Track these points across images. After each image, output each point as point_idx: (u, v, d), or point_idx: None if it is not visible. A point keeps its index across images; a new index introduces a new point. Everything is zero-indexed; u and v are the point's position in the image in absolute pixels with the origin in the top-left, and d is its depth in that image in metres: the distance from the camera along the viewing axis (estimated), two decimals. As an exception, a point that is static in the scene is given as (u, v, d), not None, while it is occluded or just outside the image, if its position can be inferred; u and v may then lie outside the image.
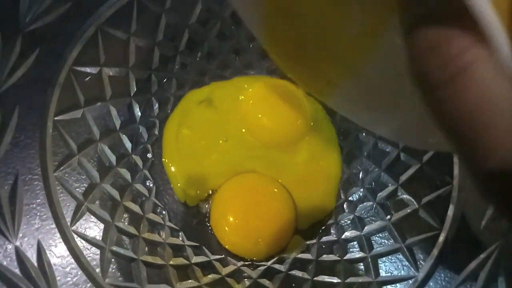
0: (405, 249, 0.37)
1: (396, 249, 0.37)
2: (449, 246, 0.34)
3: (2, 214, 0.27)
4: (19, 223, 0.28)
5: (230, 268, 0.39)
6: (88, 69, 0.37)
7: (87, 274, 0.30)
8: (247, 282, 0.38)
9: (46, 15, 0.32)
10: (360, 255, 0.39)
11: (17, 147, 0.30)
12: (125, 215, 0.38)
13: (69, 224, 0.31)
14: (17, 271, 0.26)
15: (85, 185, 0.35)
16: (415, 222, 0.38)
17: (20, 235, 0.28)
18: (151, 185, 0.42)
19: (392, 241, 0.38)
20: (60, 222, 0.30)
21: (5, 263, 0.26)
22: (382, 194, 0.42)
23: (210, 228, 0.42)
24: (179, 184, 0.43)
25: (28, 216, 0.29)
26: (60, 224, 0.30)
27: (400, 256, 0.37)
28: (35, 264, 0.27)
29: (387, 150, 0.43)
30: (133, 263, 0.34)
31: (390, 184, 0.42)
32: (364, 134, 0.45)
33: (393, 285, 0.35)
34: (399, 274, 0.36)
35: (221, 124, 0.46)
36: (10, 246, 0.27)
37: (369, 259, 0.38)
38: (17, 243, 0.27)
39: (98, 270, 0.31)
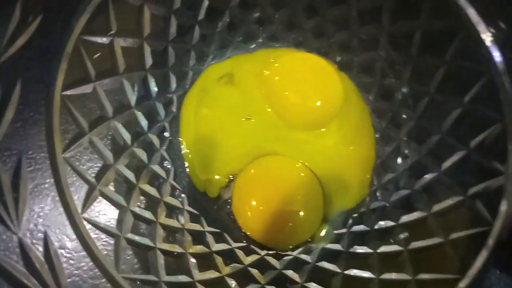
0: (448, 244, 0.33)
1: (438, 244, 0.33)
2: (501, 243, 0.30)
3: (3, 201, 0.24)
4: (22, 211, 0.25)
5: (253, 257, 0.37)
6: (98, 39, 0.33)
7: (99, 267, 0.27)
8: (271, 273, 0.35)
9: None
10: (397, 248, 0.35)
11: (20, 125, 0.27)
12: (141, 199, 0.35)
13: (79, 210, 0.28)
14: (20, 265, 0.24)
15: (97, 166, 0.32)
16: (461, 216, 0.33)
17: (24, 224, 0.25)
18: (169, 166, 0.39)
19: (433, 236, 0.34)
20: (69, 208, 0.27)
21: (7, 256, 0.23)
22: (421, 182, 0.38)
23: (232, 213, 0.39)
24: (196, 171, 0.40)
25: (33, 203, 0.26)
26: (69, 211, 0.27)
27: (443, 253, 0.33)
28: (41, 257, 0.25)
29: (429, 132, 0.38)
30: (150, 252, 0.32)
31: (430, 171, 0.37)
32: (401, 114, 0.41)
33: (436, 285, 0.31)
34: (442, 274, 0.32)
35: (243, 102, 0.42)
36: (13, 238, 0.24)
37: (407, 254, 0.34)
38: (21, 234, 0.24)
39: (111, 261, 0.28)
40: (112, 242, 0.29)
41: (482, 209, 0.32)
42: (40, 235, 0.25)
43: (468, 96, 0.35)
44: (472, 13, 0.34)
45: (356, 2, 0.41)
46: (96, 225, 0.28)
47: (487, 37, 0.33)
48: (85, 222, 0.28)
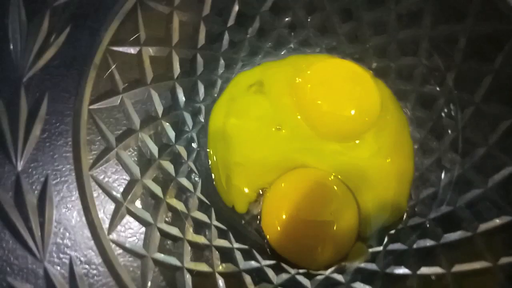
0: (497, 270, 0.30)
1: (485, 268, 0.31)
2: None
3: (29, 228, 0.23)
4: (48, 235, 0.24)
5: (283, 276, 0.35)
6: (126, 49, 0.32)
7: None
8: (303, 294, 0.34)
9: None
10: (438, 270, 0.33)
11: (47, 142, 0.26)
12: (168, 214, 0.34)
13: (106, 232, 0.27)
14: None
15: (124, 181, 0.31)
16: (510, 237, 0.31)
17: (49, 250, 0.24)
18: (196, 178, 0.38)
19: (480, 260, 0.31)
20: (95, 229, 0.26)
21: (30, 284, 0.23)
22: (465, 197, 0.35)
23: (261, 229, 0.37)
24: (223, 185, 0.38)
25: (58, 224, 0.25)
26: (95, 232, 0.26)
27: (492, 280, 0.30)
28: (67, 284, 0.24)
29: (474, 144, 0.36)
30: (177, 272, 0.30)
31: (475, 186, 0.35)
32: (442, 124, 0.38)
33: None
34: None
35: (274, 111, 0.40)
36: (38, 265, 0.23)
37: (449, 278, 0.32)
38: (46, 262, 0.23)
39: (139, 285, 0.27)
40: (138, 263, 0.28)
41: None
42: (65, 261, 0.24)
43: (520, 106, 0.32)
44: (525, 16, 0.31)
45: (394, 5, 0.38)
46: (123, 247, 0.27)
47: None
48: (111, 244, 0.27)
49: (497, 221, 0.32)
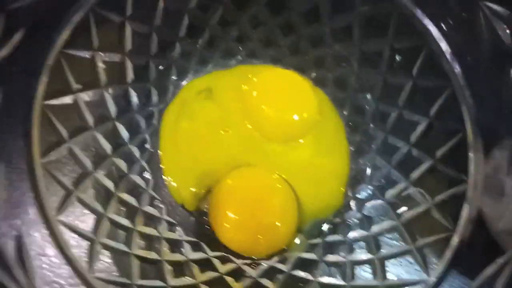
0: (415, 251, 0.34)
1: (405, 251, 0.35)
2: (463, 249, 0.31)
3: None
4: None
5: (230, 266, 0.37)
6: (80, 53, 0.34)
7: (72, 267, 0.28)
8: (247, 281, 0.36)
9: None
10: (367, 256, 0.36)
11: (1, 130, 0.28)
12: (121, 209, 0.36)
13: (54, 213, 0.29)
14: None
15: (76, 174, 0.33)
16: (427, 222, 0.35)
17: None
18: (148, 177, 0.40)
19: (402, 242, 0.35)
20: (44, 210, 0.28)
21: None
22: (391, 192, 0.39)
23: (209, 224, 0.40)
24: (174, 184, 0.41)
25: (10, 201, 0.27)
26: (44, 213, 0.28)
27: (410, 259, 0.34)
28: (13, 255, 0.25)
29: (398, 145, 0.40)
30: (125, 257, 0.32)
31: (400, 182, 0.39)
32: (373, 127, 0.43)
33: (402, 289, 0.33)
34: (409, 277, 0.33)
35: (222, 116, 0.43)
36: None
37: (376, 261, 0.36)
38: None
39: (84, 263, 0.29)
40: (87, 245, 0.30)
41: (446, 215, 0.34)
42: (13, 235, 0.26)
43: (433, 110, 0.37)
44: (434, 30, 0.36)
45: (328, 20, 0.43)
46: (72, 228, 0.29)
47: (448, 53, 0.36)
48: (60, 225, 0.28)
49: (418, 210, 0.36)
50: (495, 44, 0.34)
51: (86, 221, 0.32)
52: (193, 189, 0.41)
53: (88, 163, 0.34)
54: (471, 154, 0.34)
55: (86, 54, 0.35)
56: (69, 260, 0.28)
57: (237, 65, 0.46)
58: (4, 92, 0.28)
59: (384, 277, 0.34)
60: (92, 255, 0.30)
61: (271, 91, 0.44)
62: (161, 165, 0.42)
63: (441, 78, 0.36)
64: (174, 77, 0.44)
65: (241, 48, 0.46)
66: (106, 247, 0.31)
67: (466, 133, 0.34)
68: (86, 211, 0.32)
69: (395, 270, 0.34)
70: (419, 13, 0.37)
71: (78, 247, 0.30)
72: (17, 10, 0.29)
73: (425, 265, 0.33)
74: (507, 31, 0.34)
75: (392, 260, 0.35)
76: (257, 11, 0.44)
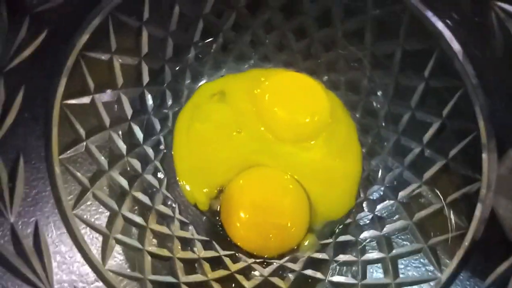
0: (427, 249, 0.34)
1: (417, 249, 0.35)
2: (476, 247, 0.31)
3: (0, 192, 0.27)
4: (17, 202, 0.27)
5: (240, 264, 0.38)
6: (98, 55, 0.36)
7: (86, 259, 0.29)
8: (257, 280, 0.36)
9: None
10: (379, 255, 0.36)
11: (21, 127, 0.29)
12: (135, 207, 0.37)
13: (71, 207, 0.30)
14: (11, 249, 0.25)
15: (92, 171, 0.34)
16: (439, 221, 0.35)
17: (18, 214, 0.27)
18: (162, 176, 0.41)
19: (414, 242, 0.35)
20: (61, 205, 0.29)
21: (1, 241, 0.25)
22: (404, 193, 0.39)
23: (221, 223, 0.40)
24: (187, 184, 0.42)
25: (28, 198, 0.28)
26: (61, 207, 0.29)
27: (422, 258, 0.34)
28: (31, 243, 0.27)
29: (411, 146, 0.40)
30: (138, 253, 0.33)
31: (413, 182, 0.39)
32: (386, 129, 0.43)
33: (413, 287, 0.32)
34: (420, 276, 0.33)
35: (235, 118, 0.44)
36: (6, 224, 0.26)
37: (388, 260, 0.35)
38: (13, 221, 0.26)
39: (98, 256, 0.30)
40: (101, 239, 0.31)
41: (459, 214, 0.33)
42: (32, 224, 0.27)
43: (446, 110, 0.37)
44: (445, 31, 0.36)
45: (340, 24, 0.43)
46: (86, 222, 0.30)
47: (460, 54, 0.36)
48: (75, 219, 0.30)
49: (430, 210, 0.36)
50: (507, 44, 0.34)
51: (101, 218, 0.33)
52: (205, 190, 0.41)
53: (103, 161, 0.35)
54: (484, 154, 0.34)
55: (104, 57, 0.37)
56: (83, 252, 0.29)
57: (250, 69, 0.47)
58: (25, 91, 0.30)
59: (396, 276, 0.34)
60: (105, 249, 0.31)
61: (283, 94, 0.45)
62: (174, 166, 0.42)
63: (453, 78, 0.36)
64: (188, 81, 0.45)
65: (254, 53, 0.47)
66: (120, 242, 0.32)
67: (480, 132, 0.34)
68: (101, 208, 0.33)
69: (407, 270, 0.34)
70: (430, 14, 0.37)
71: (92, 242, 0.31)
72: (40, 13, 0.31)
73: (437, 264, 0.32)
74: (520, 31, 0.34)
75: (405, 260, 0.35)
76: (270, 16, 0.45)
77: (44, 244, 0.27)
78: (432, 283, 0.32)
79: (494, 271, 0.28)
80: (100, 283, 0.30)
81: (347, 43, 0.44)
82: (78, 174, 0.32)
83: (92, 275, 0.30)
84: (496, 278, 0.28)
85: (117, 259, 0.32)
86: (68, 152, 0.32)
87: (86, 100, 0.35)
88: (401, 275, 0.34)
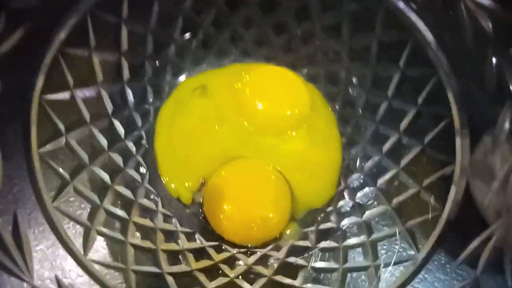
0: (405, 232, 0.35)
1: (395, 232, 0.36)
2: (450, 227, 0.32)
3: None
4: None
5: (224, 254, 0.38)
6: (77, 52, 0.36)
7: (67, 249, 0.29)
8: (241, 268, 0.37)
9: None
10: (359, 240, 0.37)
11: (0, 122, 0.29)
12: (118, 201, 0.37)
13: (52, 200, 0.30)
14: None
15: (73, 166, 0.34)
16: (416, 205, 0.36)
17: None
18: (144, 171, 0.42)
19: (392, 226, 0.36)
20: (42, 198, 0.29)
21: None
22: (382, 179, 0.40)
23: (204, 215, 0.41)
24: (169, 179, 0.42)
25: (8, 193, 0.28)
26: (41, 200, 0.29)
27: (401, 240, 0.35)
28: (12, 240, 0.27)
29: (389, 134, 0.41)
30: (121, 245, 0.33)
31: (391, 169, 0.40)
32: (364, 119, 0.44)
33: (392, 267, 0.33)
34: (399, 257, 0.34)
35: (216, 112, 0.44)
36: None
37: (368, 244, 0.36)
38: None
39: (80, 246, 0.30)
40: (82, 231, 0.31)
41: (435, 197, 0.34)
42: (11, 218, 0.27)
43: (421, 98, 0.38)
44: (419, 22, 0.37)
45: (318, 18, 0.44)
46: (68, 215, 0.30)
47: (433, 43, 0.37)
48: (56, 211, 0.30)
49: (407, 194, 0.37)
50: (477, 33, 0.35)
51: (83, 212, 0.33)
52: (188, 183, 0.42)
53: (84, 156, 0.36)
54: (458, 139, 0.35)
55: (83, 53, 0.37)
56: (65, 245, 0.30)
57: (230, 63, 0.48)
58: (3, 86, 0.30)
59: (376, 258, 0.35)
60: (87, 241, 0.31)
61: (264, 87, 0.45)
62: (156, 161, 0.43)
63: (427, 67, 0.37)
64: (169, 76, 0.46)
65: (234, 48, 0.48)
66: (102, 234, 0.33)
67: (453, 118, 0.35)
68: (84, 202, 0.34)
69: (386, 251, 0.35)
70: (403, 6, 0.38)
71: (75, 234, 0.31)
72: (18, 10, 0.31)
73: (414, 244, 0.33)
74: (489, 20, 0.35)
75: (384, 242, 0.36)
76: (249, 12, 0.46)
77: (25, 238, 0.27)
78: (409, 263, 0.32)
79: (467, 247, 0.29)
80: (84, 276, 0.30)
81: (325, 36, 0.45)
82: (59, 168, 0.33)
83: (76, 269, 0.30)
84: (469, 254, 0.29)
85: (100, 251, 0.32)
86: (48, 146, 0.32)
87: (65, 95, 0.35)
88: (380, 258, 0.35)
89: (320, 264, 0.37)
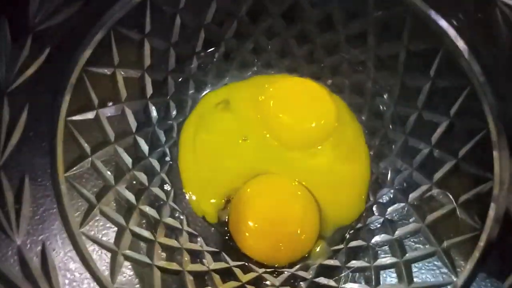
0: (442, 252, 0.33)
1: (431, 253, 0.34)
2: (492, 248, 0.30)
3: (6, 213, 0.26)
4: (24, 222, 0.27)
5: (251, 275, 0.37)
6: (101, 70, 0.36)
7: (95, 279, 0.28)
8: (269, 290, 0.36)
9: (56, 14, 0.31)
10: (392, 260, 0.36)
11: (26, 146, 0.29)
12: (143, 221, 0.37)
13: (78, 225, 0.30)
14: (18, 272, 0.25)
15: (99, 187, 0.34)
16: (452, 223, 0.34)
17: (24, 235, 0.27)
18: (168, 188, 0.41)
19: (427, 245, 0.34)
20: (68, 223, 0.29)
21: (7, 264, 0.25)
22: (414, 194, 0.39)
23: (230, 233, 0.40)
24: (194, 197, 0.41)
25: (35, 217, 0.28)
26: (68, 225, 0.29)
27: (437, 261, 0.33)
28: (38, 264, 0.26)
29: (419, 147, 0.40)
30: (147, 269, 0.33)
31: (423, 183, 0.38)
32: (393, 131, 0.42)
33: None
34: (435, 280, 0.32)
35: (239, 126, 0.44)
36: (13, 246, 0.26)
37: (402, 265, 0.35)
38: (20, 243, 0.26)
39: (107, 274, 0.29)
40: (109, 256, 0.31)
41: (472, 215, 0.33)
42: (39, 246, 0.27)
43: (454, 109, 0.37)
44: (450, 30, 0.36)
45: (343, 28, 0.43)
46: (94, 240, 0.30)
47: (466, 52, 0.35)
48: (83, 237, 0.29)
49: (443, 211, 0.35)
50: (513, 40, 0.33)
51: (109, 233, 0.33)
52: (213, 201, 0.41)
53: (109, 176, 0.35)
54: (495, 152, 0.33)
55: (107, 71, 0.37)
56: (91, 272, 0.29)
57: (253, 76, 0.47)
58: (29, 110, 0.30)
59: (411, 281, 0.33)
60: (114, 267, 0.31)
61: (288, 100, 0.44)
62: (180, 178, 0.42)
63: (460, 77, 0.35)
64: (192, 91, 0.45)
65: (257, 60, 0.47)
66: (128, 258, 0.32)
67: (489, 130, 0.34)
68: (108, 224, 0.33)
69: (422, 274, 0.33)
70: (433, 13, 0.37)
71: (100, 259, 0.31)
72: (42, 31, 0.31)
73: (452, 267, 0.32)
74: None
75: (418, 264, 0.34)
76: (272, 23, 0.45)
77: (51, 264, 0.27)
78: (448, 287, 0.31)
79: (512, 273, 0.27)
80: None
81: (350, 46, 0.44)
82: (85, 190, 0.32)
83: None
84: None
85: (126, 275, 0.32)
86: (74, 168, 0.32)
87: (90, 115, 0.35)
88: (415, 280, 0.33)
89: (350, 286, 0.35)
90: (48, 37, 0.31)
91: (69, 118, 0.33)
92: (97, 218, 0.32)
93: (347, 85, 0.46)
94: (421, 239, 0.36)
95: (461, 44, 0.36)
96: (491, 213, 0.31)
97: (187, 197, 0.42)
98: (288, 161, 0.42)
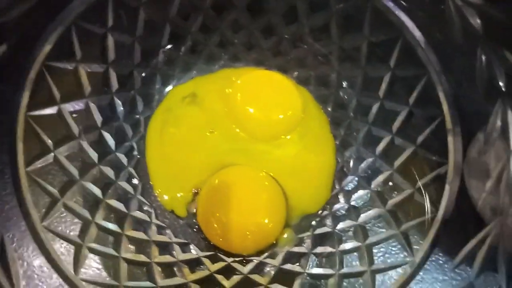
0: (400, 235, 0.34)
1: (391, 235, 0.35)
2: (445, 227, 0.32)
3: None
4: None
5: (220, 264, 0.38)
6: (62, 65, 0.35)
7: (57, 270, 0.28)
8: (236, 278, 0.37)
9: (11, 9, 0.31)
10: (355, 244, 0.37)
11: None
12: (111, 215, 0.37)
13: (40, 219, 0.30)
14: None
15: (63, 182, 0.34)
16: (411, 207, 0.35)
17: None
18: (136, 182, 0.41)
19: (388, 229, 0.36)
20: (29, 217, 0.29)
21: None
22: (377, 181, 0.40)
23: (198, 225, 0.40)
24: (159, 190, 0.42)
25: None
26: (29, 219, 0.29)
27: (395, 243, 0.34)
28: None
29: (381, 135, 0.41)
30: (113, 261, 0.33)
31: (384, 170, 0.40)
32: (357, 121, 0.44)
33: (389, 271, 0.33)
34: (395, 260, 0.33)
35: (207, 119, 0.44)
36: None
37: (364, 248, 0.36)
38: None
39: (71, 266, 0.29)
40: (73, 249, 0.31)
41: (429, 198, 0.34)
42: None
43: (413, 98, 0.38)
44: (408, 21, 0.37)
45: (306, 20, 0.44)
46: (57, 234, 0.30)
47: (423, 42, 0.37)
48: (45, 230, 0.29)
49: (403, 196, 0.37)
50: (466, 31, 0.34)
51: (73, 228, 0.33)
52: (180, 194, 0.41)
53: (74, 171, 0.35)
54: (450, 138, 0.35)
55: (69, 66, 0.36)
56: (54, 264, 0.29)
57: (220, 69, 0.47)
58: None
59: (371, 263, 0.34)
60: (78, 259, 0.31)
61: (255, 92, 0.45)
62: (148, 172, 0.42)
63: (418, 66, 0.37)
64: (158, 85, 0.45)
65: (223, 53, 0.47)
66: (93, 251, 0.32)
67: (445, 117, 0.35)
68: (74, 218, 0.33)
69: (382, 255, 0.35)
70: (392, 6, 0.38)
71: (64, 253, 0.31)
72: (0, 25, 0.30)
73: (409, 247, 0.33)
74: (477, 17, 0.34)
75: (379, 246, 0.35)
76: (237, 16, 0.45)
77: (11, 257, 0.27)
78: (406, 266, 0.32)
79: (464, 248, 0.29)
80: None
81: (314, 38, 0.45)
82: (47, 185, 0.32)
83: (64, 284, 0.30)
84: (467, 254, 0.29)
85: (92, 269, 0.32)
86: (36, 163, 0.32)
87: (52, 110, 0.34)
88: (376, 261, 0.34)
89: (316, 270, 0.36)
90: (6, 31, 0.30)
91: (30, 113, 0.32)
92: (61, 212, 0.32)
93: (313, 77, 0.47)
94: (382, 224, 0.37)
95: (418, 34, 0.37)
96: (446, 195, 0.33)
97: (155, 191, 0.42)
98: (255, 153, 0.43)
